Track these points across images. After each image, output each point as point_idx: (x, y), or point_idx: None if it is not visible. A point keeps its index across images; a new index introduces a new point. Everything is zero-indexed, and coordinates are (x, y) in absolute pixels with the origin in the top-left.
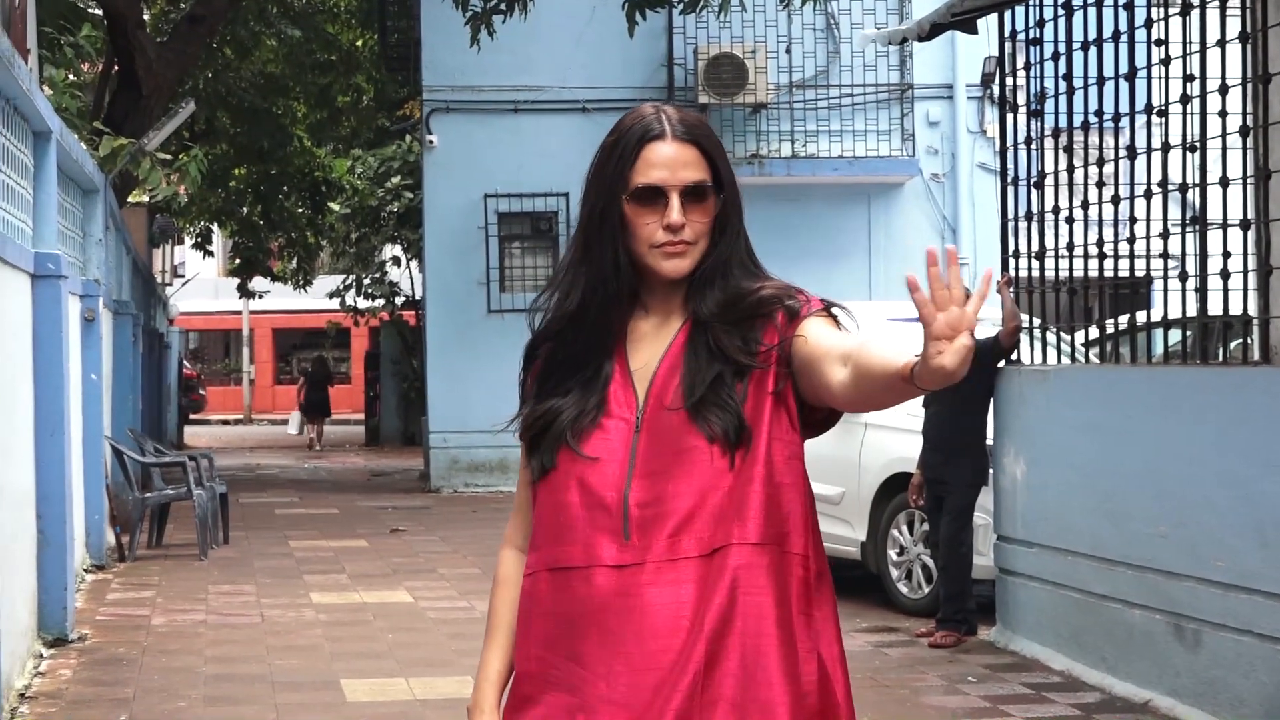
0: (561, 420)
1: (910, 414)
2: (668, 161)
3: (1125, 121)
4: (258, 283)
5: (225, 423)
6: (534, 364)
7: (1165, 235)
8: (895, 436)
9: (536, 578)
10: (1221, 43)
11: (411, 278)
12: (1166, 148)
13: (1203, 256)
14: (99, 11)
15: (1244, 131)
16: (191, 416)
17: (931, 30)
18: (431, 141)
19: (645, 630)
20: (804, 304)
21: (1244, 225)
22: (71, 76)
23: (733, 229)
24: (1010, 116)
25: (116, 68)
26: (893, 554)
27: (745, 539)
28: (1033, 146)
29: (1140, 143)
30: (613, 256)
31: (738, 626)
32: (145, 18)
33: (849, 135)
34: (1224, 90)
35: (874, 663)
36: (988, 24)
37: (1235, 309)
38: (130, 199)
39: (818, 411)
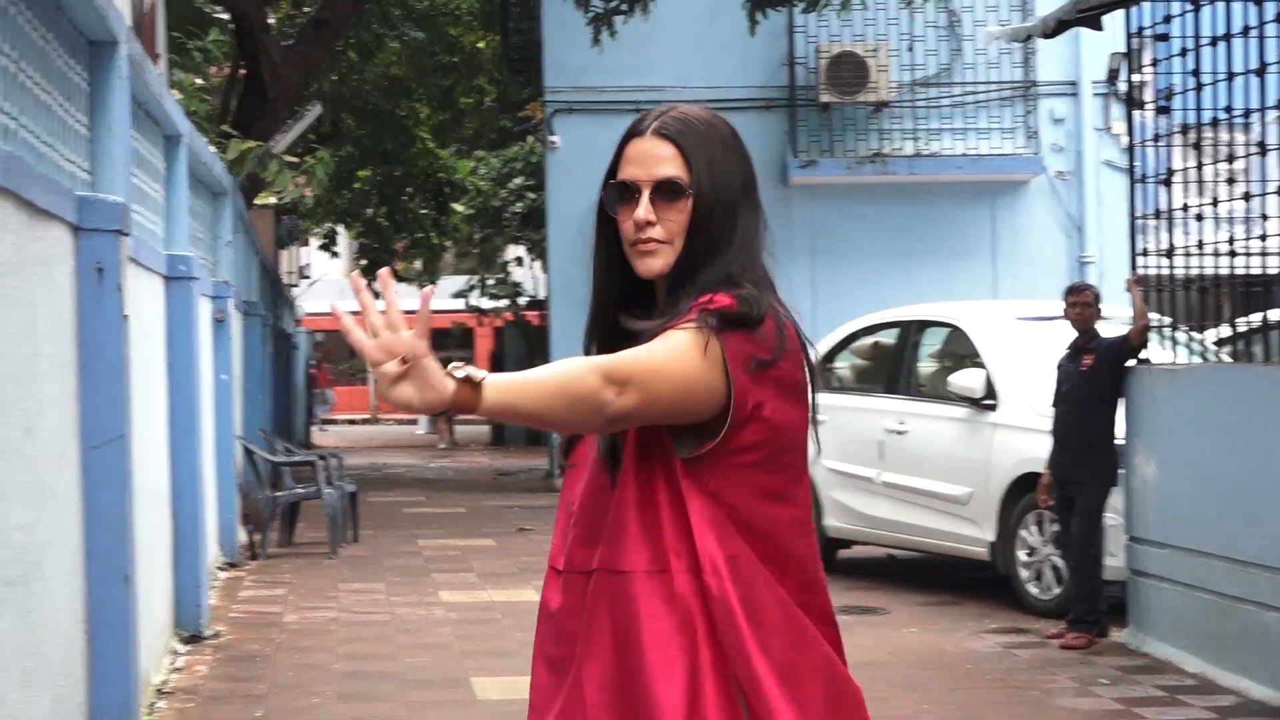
0: None
1: (1039, 414)
2: (641, 158)
3: (1255, 117)
4: None
5: (351, 422)
6: None
7: None
8: (1024, 436)
9: None
10: None
11: (535, 278)
12: None
13: None
14: (225, 16)
15: None
16: (322, 417)
17: (1057, 27)
18: (554, 142)
19: (558, 637)
20: (682, 317)
21: None
22: (199, 80)
23: (709, 233)
24: (1137, 113)
25: (243, 71)
26: (1022, 555)
27: (613, 565)
28: (1160, 143)
29: (1271, 139)
30: (605, 255)
31: (607, 654)
32: (270, 21)
33: (972, 133)
34: None
35: (1004, 664)
36: (1113, 20)
37: None
38: (257, 201)
39: (707, 424)
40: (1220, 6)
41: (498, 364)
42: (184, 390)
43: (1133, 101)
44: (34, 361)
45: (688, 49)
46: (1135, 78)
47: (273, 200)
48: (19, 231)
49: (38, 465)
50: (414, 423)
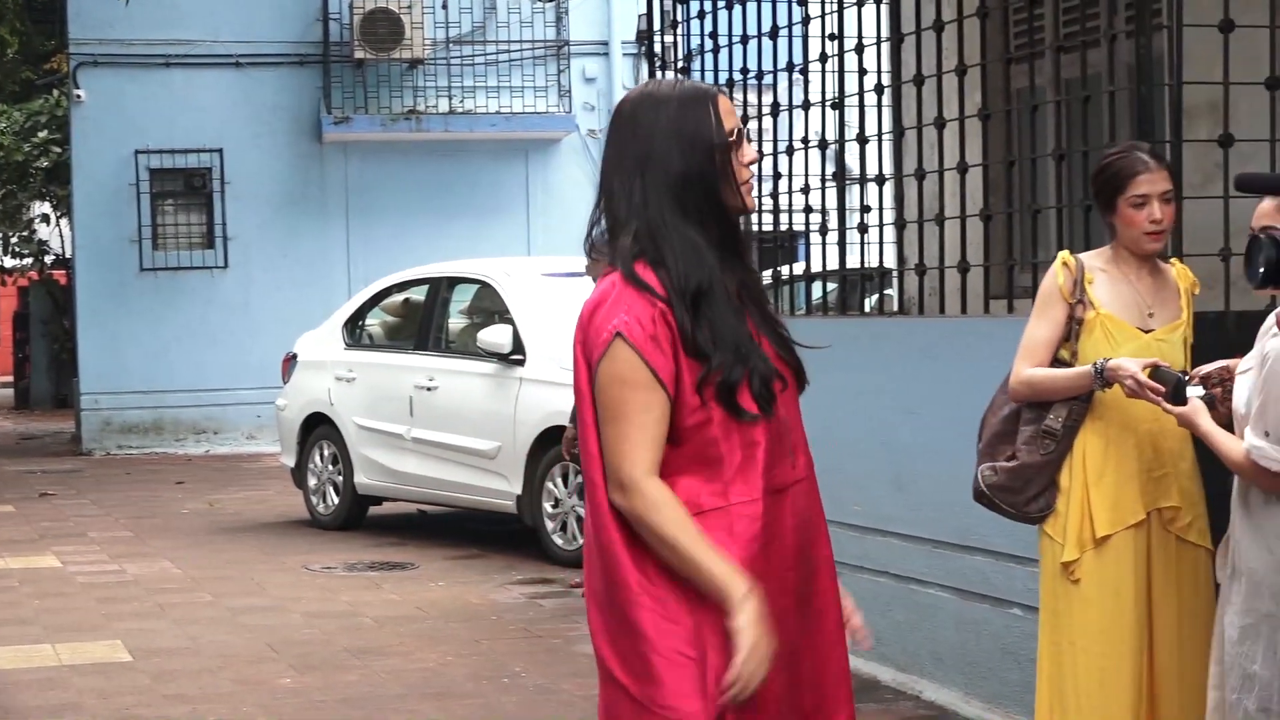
0: None
1: (564, 368)
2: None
3: (770, 78)
4: None
5: None
6: None
7: (807, 190)
8: (550, 390)
9: None
10: (859, 3)
11: (61, 236)
12: (808, 105)
13: (842, 211)
14: None
15: (879, 89)
16: None
17: None
18: (79, 96)
19: None
20: None
21: (879, 180)
22: None
23: None
24: (661, 73)
25: None
26: (548, 506)
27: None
28: None
29: (784, 99)
30: None
31: None
32: None
33: (506, 91)
34: (860, 49)
35: (529, 614)
36: None
37: (890, 261)
38: None
39: None
40: None
41: (23, 324)
42: None
43: (655, 62)
44: None
45: (218, 3)
46: (660, 39)
47: None
48: None
49: None
50: None
